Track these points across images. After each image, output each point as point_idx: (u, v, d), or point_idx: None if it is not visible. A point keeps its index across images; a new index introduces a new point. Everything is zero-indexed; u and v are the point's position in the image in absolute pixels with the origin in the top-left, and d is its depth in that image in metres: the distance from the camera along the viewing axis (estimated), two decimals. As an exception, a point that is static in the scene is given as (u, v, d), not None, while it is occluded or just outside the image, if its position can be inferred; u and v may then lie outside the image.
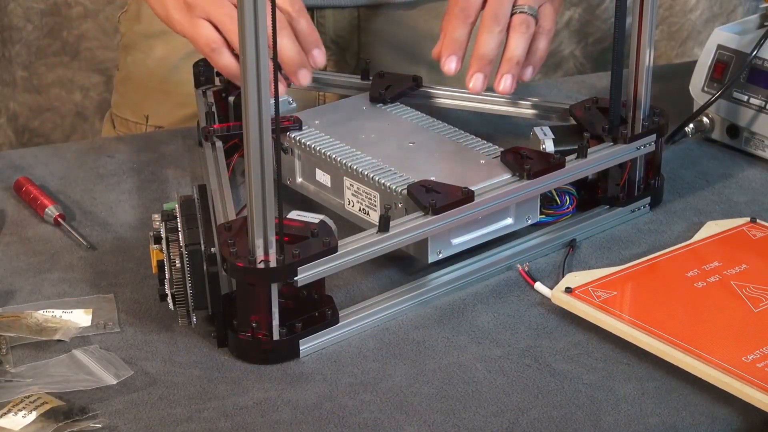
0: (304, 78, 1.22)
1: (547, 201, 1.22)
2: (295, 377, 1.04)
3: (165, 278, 1.06)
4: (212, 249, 1.04)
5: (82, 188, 1.32)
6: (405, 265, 1.17)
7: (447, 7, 1.28)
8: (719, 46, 1.40)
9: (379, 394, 1.02)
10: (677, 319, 1.07)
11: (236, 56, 1.20)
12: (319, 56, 1.23)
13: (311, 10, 1.49)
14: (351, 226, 1.17)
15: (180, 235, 1.06)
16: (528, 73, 1.26)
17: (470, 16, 1.25)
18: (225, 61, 1.21)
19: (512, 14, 1.25)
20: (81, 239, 1.22)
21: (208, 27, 1.20)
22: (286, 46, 1.21)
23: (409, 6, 1.52)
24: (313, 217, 1.08)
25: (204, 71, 1.37)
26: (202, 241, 1.05)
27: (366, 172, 1.16)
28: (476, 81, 1.23)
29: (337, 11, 1.50)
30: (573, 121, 1.29)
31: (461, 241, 1.15)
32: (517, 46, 1.24)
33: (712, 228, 1.22)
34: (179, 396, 1.01)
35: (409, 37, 1.53)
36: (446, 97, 1.36)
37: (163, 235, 1.07)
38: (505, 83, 1.23)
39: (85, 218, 1.27)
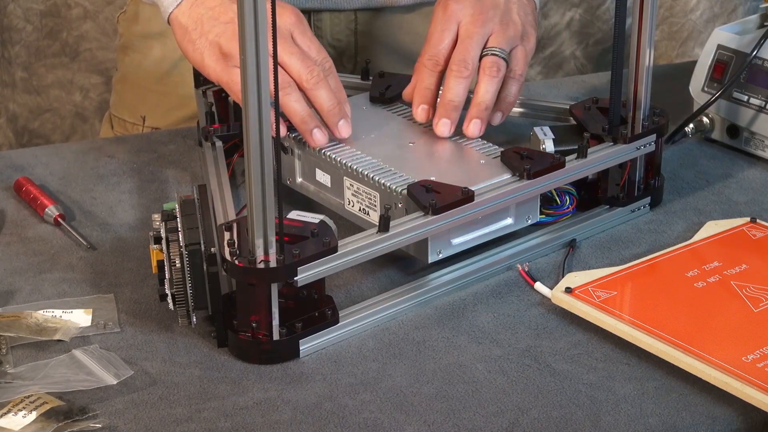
0: (320, 138, 1.21)
1: (547, 201, 1.22)
2: (295, 377, 1.04)
3: (165, 278, 1.06)
4: (212, 249, 1.04)
5: (82, 188, 1.32)
6: (405, 265, 1.17)
7: (419, 55, 1.29)
8: (719, 46, 1.40)
9: (379, 394, 1.02)
10: (677, 319, 1.07)
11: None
12: (344, 127, 1.21)
13: (308, 13, 1.49)
14: (351, 226, 1.17)
15: (180, 235, 1.06)
16: (497, 119, 1.26)
17: (439, 63, 1.26)
18: None
19: (483, 56, 1.25)
20: (81, 239, 1.22)
21: None
22: (296, 109, 1.20)
23: (407, 9, 1.52)
24: (313, 217, 1.08)
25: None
26: (202, 241, 1.05)
27: (366, 172, 1.16)
28: (443, 126, 1.23)
29: (335, 14, 1.50)
30: (573, 121, 1.29)
31: (461, 241, 1.15)
32: (486, 91, 1.24)
33: (712, 228, 1.22)
34: (179, 396, 1.01)
35: (407, 41, 1.53)
36: (446, 98, 1.36)
37: (163, 235, 1.07)
38: (473, 128, 1.23)
39: (85, 218, 1.27)
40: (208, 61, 1.24)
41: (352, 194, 1.18)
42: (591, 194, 1.26)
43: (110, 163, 1.37)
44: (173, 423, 0.98)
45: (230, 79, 1.22)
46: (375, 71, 1.38)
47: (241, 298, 1.05)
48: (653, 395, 1.01)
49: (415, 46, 1.52)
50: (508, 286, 1.15)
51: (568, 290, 1.11)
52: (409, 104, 1.32)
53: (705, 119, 1.40)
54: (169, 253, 1.05)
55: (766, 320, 1.07)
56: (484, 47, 1.26)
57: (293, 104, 1.19)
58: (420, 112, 1.25)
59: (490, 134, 1.27)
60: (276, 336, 1.05)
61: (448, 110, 1.23)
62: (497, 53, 1.25)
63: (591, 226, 1.23)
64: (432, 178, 1.14)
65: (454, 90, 1.24)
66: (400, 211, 1.13)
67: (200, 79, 1.37)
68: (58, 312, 1.11)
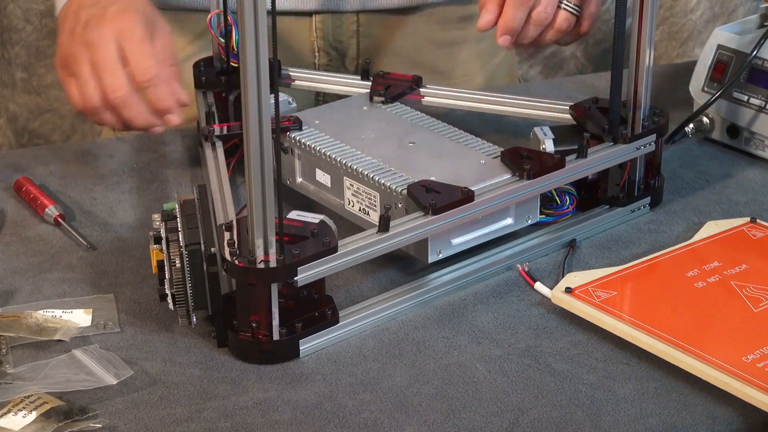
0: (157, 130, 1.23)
1: (547, 201, 1.22)
2: (295, 377, 1.04)
3: (165, 278, 1.06)
4: (212, 249, 1.04)
5: (82, 188, 1.32)
6: (405, 265, 1.17)
7: None
8: (719, 46, 1.40)
9: (379, 394, 1.02)
10: (677, 319, 1.07)
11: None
12: (173, 119, 1.22)
13: (310, 14, 1.49)
14: (351, 226, 1.17)
15: (180, 235, 1.06)
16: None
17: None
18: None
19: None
20: (81, 239, 1.22)
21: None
22: (136, 115, 1.22)
23: (408, 11, 1.52)
24: (313, 217, 1.08)
25: (204, 71, 1.37)
26: (202, 241, 1.05)
27: (366, 172, 1.16)
28: (504, 41, 1.32)
29: (336, 16, 1.50)
30: (573, 121, 1.29)
31: (461, 241, 1.15)
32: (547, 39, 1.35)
33: (712, 228, 1.22)
34: (179, 396, 1.01)
35: (408, 43, 1.53)
36: (446, 97, 1.36)
37: (163, 235, 1.07)
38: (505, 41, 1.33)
39: (85, 218, 1.27)
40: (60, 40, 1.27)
41: (352, 194, 1.18)
42: (591, 194, 1.26)
43: (110, 163, 1.37)
44: (173, 423, 0.98)
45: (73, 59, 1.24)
46: (376, 72, 1.38)
47: (241, 298, 1.05)
48: (653, 395, 1.01)
49: (417, 48, 1.53)
50: (508, 286, 1.15)
51: (568, 290, 1.11)
52: (409, 105, 1.32)
53: (705, 119, 1.40)
54: (169, 253, 1.05)
55: (766, 320, 1.07)
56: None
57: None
58: (504, 39, 1.33)
59: (489, 134, 1.27)
60: (276, 336, 1.05)
61: (510, 32, 1.33)
62: (571, 9, 1.35)
63: (591, 226, 1.23)
64: (432, 178, 1.14)
65: (520, 26, 1.33)
66: (400, 211, 1.13)
67: (200, 79, 1.37)
68: (58, 312, 1.11)
